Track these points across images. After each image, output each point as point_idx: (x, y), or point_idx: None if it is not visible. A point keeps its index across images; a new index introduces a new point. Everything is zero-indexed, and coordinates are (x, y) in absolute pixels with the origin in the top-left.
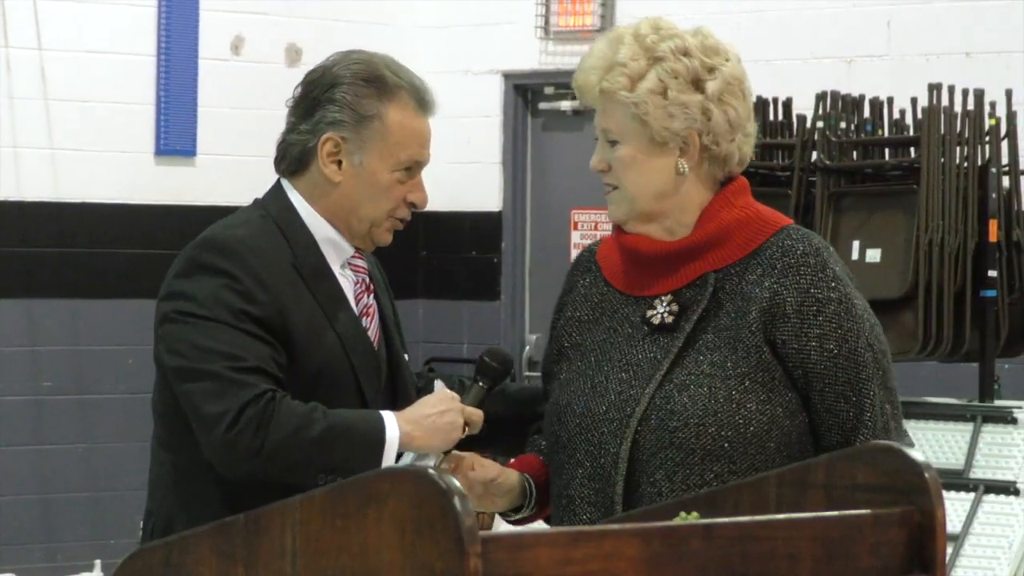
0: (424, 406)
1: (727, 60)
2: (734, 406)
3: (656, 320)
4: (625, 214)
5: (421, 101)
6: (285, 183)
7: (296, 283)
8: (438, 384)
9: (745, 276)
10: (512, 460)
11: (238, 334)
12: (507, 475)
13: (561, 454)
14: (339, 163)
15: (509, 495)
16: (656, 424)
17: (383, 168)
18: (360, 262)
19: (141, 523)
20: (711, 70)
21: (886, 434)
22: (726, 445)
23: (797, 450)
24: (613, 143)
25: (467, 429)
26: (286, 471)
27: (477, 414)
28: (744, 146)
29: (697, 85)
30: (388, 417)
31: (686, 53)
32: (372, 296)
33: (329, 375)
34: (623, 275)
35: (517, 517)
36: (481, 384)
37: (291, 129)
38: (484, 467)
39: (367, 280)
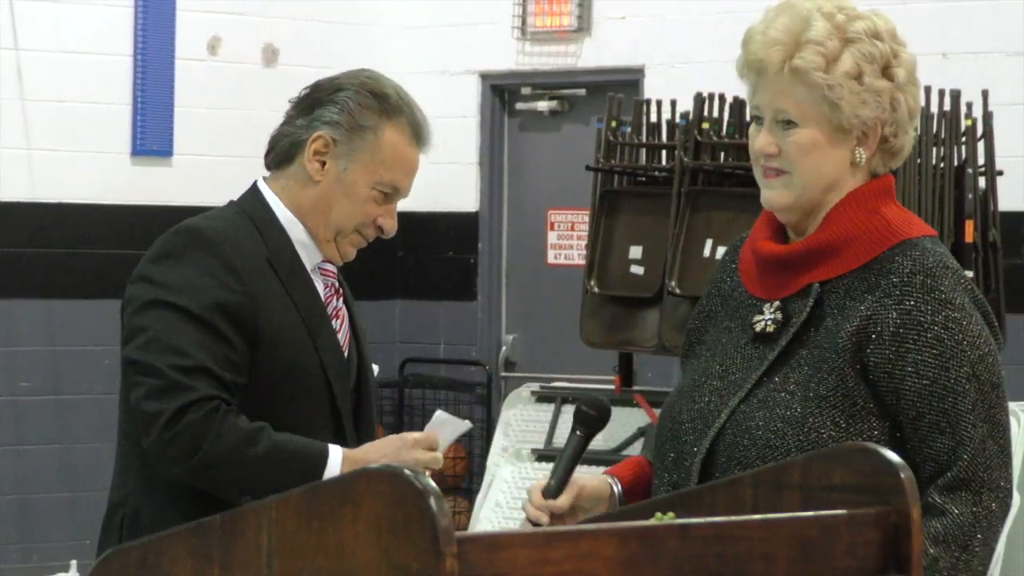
0: (371, 451)
1: (904, 45)
2: (805, 430)
3: (759, 327)
4: (791, 201)
5: (418, 134)
6: (261, 185)
7: (270, 278)
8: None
9: (850, 291)
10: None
11: (197, 328)
12: (586, 487)
13: (659, 458)
14: (323, 163)
15: (601, 501)
16: (730, 441)
17: (364, 181)
18: (330, 267)
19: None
20: (896, 56)
21: (987, 471)
22: None
23: None
24: (788, 124)
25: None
26: (215, 484)
27: (436, 460)
28: (912, 140)
29: (886, 72)
30: (334, 451)
31: (877, 36)
32: (341, 300)
33: (299, 370)
34: (751, 272)
35: None
36: (579, 433)
37: (287, 122)
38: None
39: (336, 284)
